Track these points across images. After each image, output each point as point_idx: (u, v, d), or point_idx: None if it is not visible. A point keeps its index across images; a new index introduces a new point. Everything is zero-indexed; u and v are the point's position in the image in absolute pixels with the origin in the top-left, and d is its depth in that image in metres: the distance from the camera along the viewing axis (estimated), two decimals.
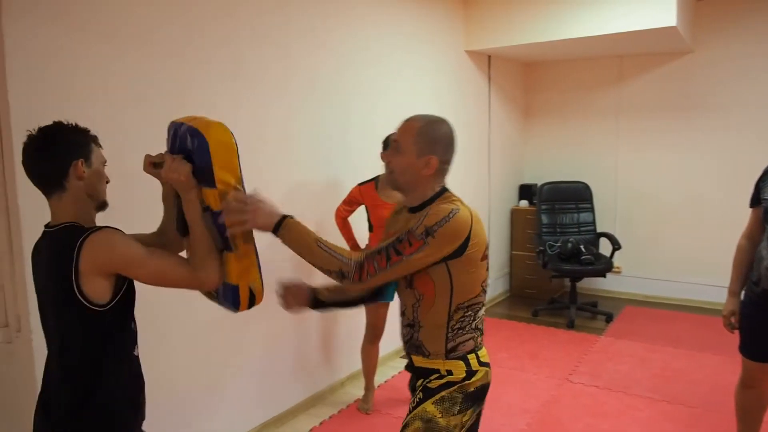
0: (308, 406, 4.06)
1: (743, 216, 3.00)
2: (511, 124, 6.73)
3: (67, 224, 1.72)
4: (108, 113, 2.73)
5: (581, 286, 6.36)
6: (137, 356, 1.87)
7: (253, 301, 1.86)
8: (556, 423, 3.79)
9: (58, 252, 1.67)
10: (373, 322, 3.92)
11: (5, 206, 2.49)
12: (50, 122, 1.75)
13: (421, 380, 2.03)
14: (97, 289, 1.66)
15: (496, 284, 6.57)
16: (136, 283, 1.82)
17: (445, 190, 2.00)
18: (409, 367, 2.11)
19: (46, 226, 1.77)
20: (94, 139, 1.80)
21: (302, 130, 3.87)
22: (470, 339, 1.98)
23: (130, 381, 1.82)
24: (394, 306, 3.96)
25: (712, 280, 5.88)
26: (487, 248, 1.96)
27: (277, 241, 1.87)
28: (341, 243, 3.89)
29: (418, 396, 2.01)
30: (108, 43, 2.72)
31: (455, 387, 1.96)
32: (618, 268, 6.48)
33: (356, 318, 4.29)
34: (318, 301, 2.17)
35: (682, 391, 4.17)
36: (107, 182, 1.85)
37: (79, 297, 1.64)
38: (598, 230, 6.30)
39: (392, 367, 4.73)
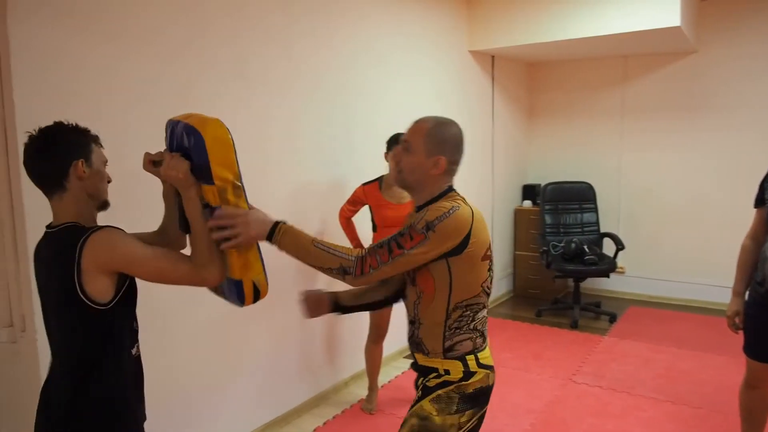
0: (312, 406, 4.07)
1: (747, 216, 3.00)
2: (514, 125, 6.73)
3: (69, 224, 1.72)
4: (112, 113, 2.74)
5: (585, 287, 6.36)
6: (138, 356, 1.88)
7: (257, 295, 1.87)
8: (560, 423, 3.79)
9: (60, 252, 1.67)
10: (377, 322, 3.93)
11: (10, 206, 2.50)
12: (54, 121, 1.75)
13: (422, 378, 2.05)
14: (99, 288, 1.67)
15: (499, 284, 6.57)
16: (139, 284, 1.83)
17: (450, 189, 2.02)
18: (414, 364, 2.12)
19: (48, 226, 1.78)
20: (95, 139, 1.80)
21: (306, 130, 3.87)
22: (468, 339, 1.98)
23: (130, 380, 1.83)
24: (398, 306, 3.96)
25: (716, 281, 5.88)
26: (488, 249, 1.97)
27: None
28: (345, 243, 3.89)
29: (418, 394, 2.04)
30: (112, 44, 2.73)
31: (452, 387, 1.97)
32: (621, 268, 6.47)
33: (360, 318, 4.29)
34: (340, 306, 2.23)
35: (686, 392, 4.17)
36: (109, 182, 1.85)
37: (81, 296, 1.64)
38: (602, 230, 6.29)
39: (396, 367, 4.73)
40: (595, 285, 6.65)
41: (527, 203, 6.76)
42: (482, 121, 6.01)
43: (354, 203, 3.88)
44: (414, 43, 4.88)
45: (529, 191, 6.79)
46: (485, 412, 2.09)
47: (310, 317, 2.26)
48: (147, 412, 1.94)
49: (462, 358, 1.98)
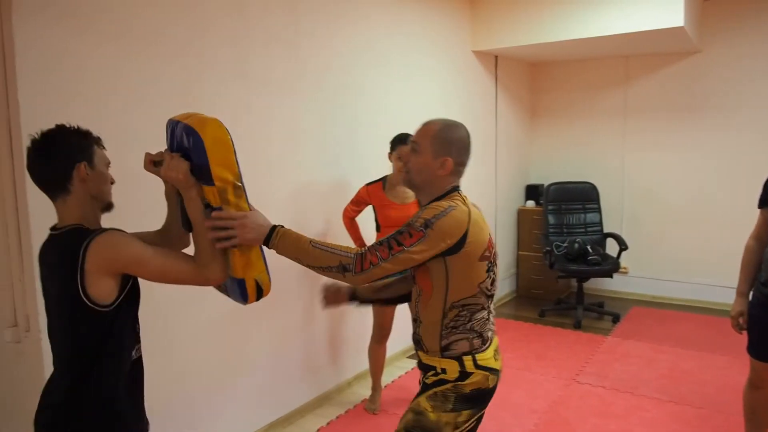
0: (315, 406, 4.07)
1: (751, 217, 3.00)
2: (517, 125, 6.72)
3: (73, 227, 1.73)
4: (115, 113, 2.75)
5: (588, 287, 6.35)
6: (139, 357, 1.88)
7: (260, 293, 1.89)
8: (564, 423, 3.78)
9: (64, 254, 1.68)
10: (380, 322, 3.93)
11: (14, 206, 2.51)
12: (56, 123, 1.75)
13: (423, 375, 2.10)
14: (102, 290, 1.67)
15: (502, 285, 6.57)
16: (141, 284, 1.83)
17: (454, 189, 2.05)
18: (418, 362, 2.15)
19: (52, 228, 1.78)
20: (97, 141, 1.81)
21: (309, 130, 3.87)
22: (464, 340, 2.00)
23: (130, 382, 1.83)
24: (402, 306, 3.97)
25: (720, 281, 5.87)
26: (487, 250, 1.98)
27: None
28: (348, 243, 3.89)
29: (418, 391, 2.08)
30: (116, 44, 2.73)
31: (448, 385, 2.00)
32: (625, 268, 6.47)
33: (363, 318, 4.30)
34: (357, 297, 2.32)
35: (690, 392, 4.16)
36: (112, 183, 1.85)
37: (84, 298, 1.65)
38: (605, 230, 6.28)
39: (399, 367, 4.73)
40: (598, 285, 6.64)
41: (530, 203, 6.76)
42: (485, 121, 6.01)
43: (357, 203, 3.88)
44: (417, 43, 4.88)
45: (532, 191, 6.80)
46: (483, 413, 2.11)
47: (328, 307, 2.36)
48: (149, 412, 1.94)
49: (459, 358, 2.00)
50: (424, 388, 2.05)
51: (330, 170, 4.09)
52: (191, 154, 1.76)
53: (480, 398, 2.03)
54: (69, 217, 1.75)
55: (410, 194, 3.75)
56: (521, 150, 6.88)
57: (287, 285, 3.74)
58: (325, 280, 2.22)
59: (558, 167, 6.85)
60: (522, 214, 6.75)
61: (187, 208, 1.81)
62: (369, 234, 4.00)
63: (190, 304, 3.14)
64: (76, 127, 1.76)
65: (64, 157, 1.72)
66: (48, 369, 1.82)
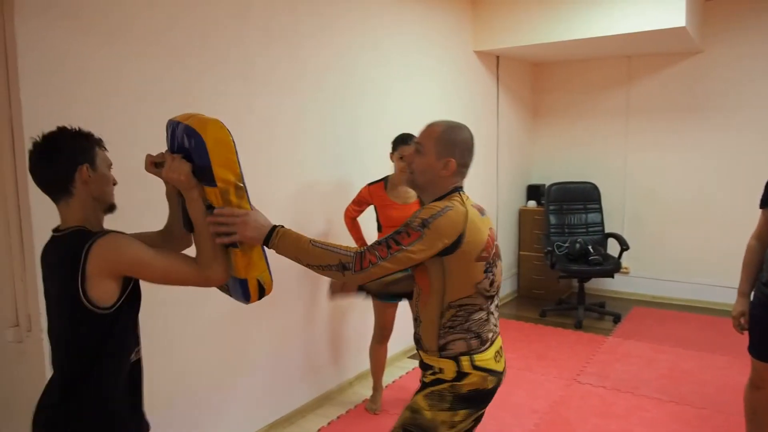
0: (316, 406, 4.07)
1: (753, 217, 2.99)
2: (519, 125, 6.72)
3: (75, 229, 1.73)
4: (118, 113, 2.75)
5: (589, 287, 6.35)
6: (138, 360, 1.88)
7: (262, 292, 1.91)
8: (565, 423, 3.78)
9: (66, 256, 1.68)
10: (382, 322, 3.92)
11: (16, 205, 2.51)
12: (58, 125, 1.75)
13: (422, 373, 2.12)
14: (103, 292, 1.67)
15: (503, 285, 6.56)
16: (144, 285, 1.83)
17: (455, 190, 2.06)
18: (420, 360, 2.17)
19: (55, 230, 1.79)
20: (99, 143, 1.80)
21: (310, 130, 3.88)
22: (461, 340, 2.00)
23: (130, 383, 1.83)
24: (403, 306, 3.98)
25: (721, 281, 5.87)
26: (485, 251, 1.98)
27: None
28: (350, 243, 3.89)
29: (417, 389, 2.11)
30: (118, 44, 2.74)
31: (446, 385, 2.01)
32: (626, 268, 6.46)
33: (364, 318, 4.30)
34: (364, 289, 2.37)
35: (690, 392, 4.16)
36: (114, 184, 1.85)
37: (84, 301, 1.65)
38: (607, 231, 6.28)
39: (400, 368, 4.74)
40: (600, 285, 6.64)
41: (532, 203, 6.76)
42: (487, 121, 6.01)
43: (359, 203, 3.88)
44: (419, 44, 4.88)
45: (534, 191, 6.79)
46: (483, 414, 2.11)
47: (334, 298, 2.42)
48: (150, 412, 1.94)
49: (456, 358, 2.01)
50: (423, 386, 2.08)
51: (331, 170, 4.09)
52: (193, 155, 1.76)
53: (478, 399, 2.03)
54: (72, 218, 1.75)
55: (412, 194, 3.75)
56: (523, 150, 6.87)
57: (288, 285, 3.74)
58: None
59: (560, 167, 6.84)
60: (523, 214, 6.75)
61: (189, 209, 1.81)
62: (370, 234, 4.00)
63: (191, 304, 3.14)
64: (77, 129, 1.76)
65: (66, 160, 1.72)
66: (49, 369, 1.83)
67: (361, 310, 4.35)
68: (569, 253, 5.80)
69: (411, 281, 2.31)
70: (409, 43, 4.77)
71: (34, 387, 2.55)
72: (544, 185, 6.63)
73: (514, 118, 6.57)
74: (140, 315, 1.88)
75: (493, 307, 2.08)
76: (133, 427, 1.87)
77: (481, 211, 2.08)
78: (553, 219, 6.20)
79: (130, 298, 1.78)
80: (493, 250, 2.03)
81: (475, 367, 2.00)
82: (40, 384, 1.93)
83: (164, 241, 2.02)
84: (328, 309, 4.15)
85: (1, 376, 2.74)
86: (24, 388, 2.63)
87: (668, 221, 6.29)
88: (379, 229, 3.88)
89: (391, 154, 3.75)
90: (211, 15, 3.18)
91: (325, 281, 4.00)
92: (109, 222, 1.85)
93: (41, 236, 1.85)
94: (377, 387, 4.05)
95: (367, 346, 4.07)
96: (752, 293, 2.91)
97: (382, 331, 3.94)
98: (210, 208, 1.81)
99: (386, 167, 4.06)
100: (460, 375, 2.00)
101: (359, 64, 4.25)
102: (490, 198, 6.15)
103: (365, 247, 1.92)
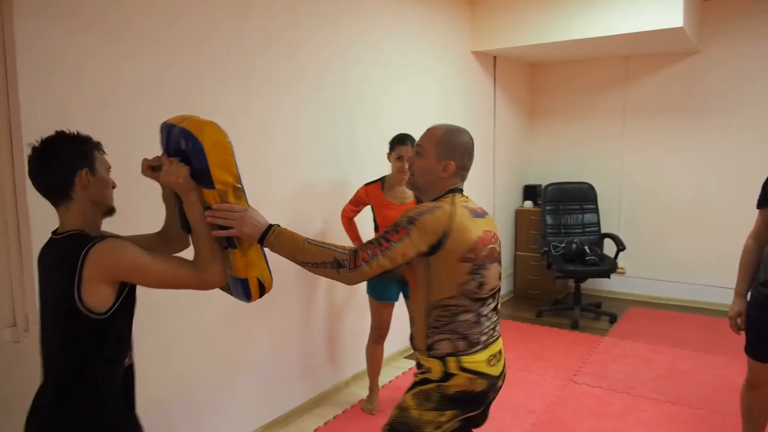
0: (313, 406, 4.07)
1: (750, 217, 3.00)
2: (516, 125, 6.73)
3: (74, 232, 1.73)
4: (117, 113, 2.74)
5: (585, 287, 6.37)
6: (131, 365, 1.88)
7: (263, 290, 1.93)
8: (561, 424, 3.79)
9: (63, 260, 1.68)
10: (378, 322, 3.93)
11: (14, 206, 2.50)
12: (57, 125, 1.75)
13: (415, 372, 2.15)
14: (98, 298, 1.67)
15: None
16: (141, 287, 1.83)
17: (451, 191, 2.08)
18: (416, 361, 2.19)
19: (54, 232, 1.78)
20: (98, 146, 1.80)
21: (309, 130, 3.87)
22: (446, 341, 2.01)
23: (123, 386, 1.83)
24: (399, 306, 3.98)
25: (717, 281, 5.89)
26: (472, 252, 1.98)
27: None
28: (347, 243, 3.89)
29: (408, 387, 2.14)
30: (117, 44, 2.73)
31: (432, 385, 2.04)
32: (622, 268, 6.48)
33: (361, 318, 4.31)
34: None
35: (687, 392, 4.17)
36: (113, 187, 1.85)
37: (79, 305, 1.65)
38: (603, 231, 6.30)
39: (397, 368, 4.74)
40: (596, 286, 6.66)
41: (528, 204, 6.77)
42: (484, 121, 6.02)
43: (356, 203, 3.88)
44: (417, 44, 4.88)
45: (530, 192, 6.80)
46: (475, 416, 2.11)
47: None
48: (149, 412, 1.95)
49: (443, 359, 2.02)
50: (412, 385, 2.11)
51: (329, 170, 4.09)
52: (190, 158, 1.76)
53: (466, 401, 2.03)
54: (71, 222, 1.75)
55: (408, 194, 3.75)
56: (519, 150, 6.88)
57: (286, 285, 3.74)
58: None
59: (557, 168, 6.86)
60: (520, 215, 6.76)
61: (187, 211, 1.81)
62: (368, 234, 4.00)
63: (190, 305, 3.14)
64: (76, 133, 1.76)
65: (65, 165, 1.71)
66: None
67: (358, 310, 4.36)
68: (565, 254, 5.81)
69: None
70: (407, 44, 4.77)
71: (31, 387, 2.53)
72: (540, 185, 6.64)
73: (510, 119, 6.58)
74: (139, 316, 1.88)
75: (486, 310, 2.06)
76: (127, 428, 1.87)
77: (480, 214, 2.09)
78: (549, 219, 6.21)
79: (126, 304, 1.77)
80: (484, 252, 2.02)
81: (463, 369, 2.01)
82: (38, 384, 1.93)
83: (161, 243, 2.02)
84: (325, 309, 4.16)
85: None
86: (22, 388, 2.62)
87: (665, 221, 6.30)
88: (376, 229, 3.88)
89: (389, 155, 3.75)
90: (211, 15, 3.17)
91: (322, 281, 4.02)
92: (107, 223, 1.85)
93: (39, 237, 1.85)
94: (373, 387, 4.05)
95: (363, 346, 4.07)
96: (749, 293, 2.92)
97: (379, 331, 3.95)
98: (208, 209, 1.82)
99: (384, 167, 4.06)
100: (447, 376, 2.01)
101: (358, 64, 4.25)
102: (486, 198, 6.16)
103: (360, 246, 1.94)
